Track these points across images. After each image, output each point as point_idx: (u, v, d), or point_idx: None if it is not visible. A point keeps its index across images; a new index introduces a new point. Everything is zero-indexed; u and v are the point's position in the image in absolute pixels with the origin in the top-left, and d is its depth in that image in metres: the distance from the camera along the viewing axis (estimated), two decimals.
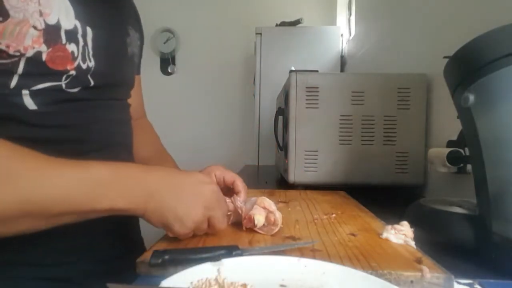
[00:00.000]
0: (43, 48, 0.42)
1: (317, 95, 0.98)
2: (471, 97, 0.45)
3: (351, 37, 2.16)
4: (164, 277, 0.31)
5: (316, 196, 0.81)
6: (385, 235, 0.48)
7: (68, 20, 0.45)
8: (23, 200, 0.36)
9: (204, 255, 0.39)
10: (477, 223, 0.48)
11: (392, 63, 1.39)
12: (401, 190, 1.01)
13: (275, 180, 1.35)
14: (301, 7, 2.74)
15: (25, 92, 0.43)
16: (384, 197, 0.97)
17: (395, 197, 0.98)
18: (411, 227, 0.48)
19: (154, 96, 2.21)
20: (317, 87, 0.98)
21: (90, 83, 0.49)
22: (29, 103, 0.44)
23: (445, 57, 0.50)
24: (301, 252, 0.43)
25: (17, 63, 0.41)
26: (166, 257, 0.38)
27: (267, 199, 0.53)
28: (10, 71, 0.41)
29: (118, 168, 0.43)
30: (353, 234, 0.50)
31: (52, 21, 0.43)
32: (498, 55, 0.42)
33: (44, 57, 0.43)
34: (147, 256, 0.40)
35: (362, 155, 0.98)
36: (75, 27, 0.45)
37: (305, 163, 1.00)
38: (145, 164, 0.54)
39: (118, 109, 0.59)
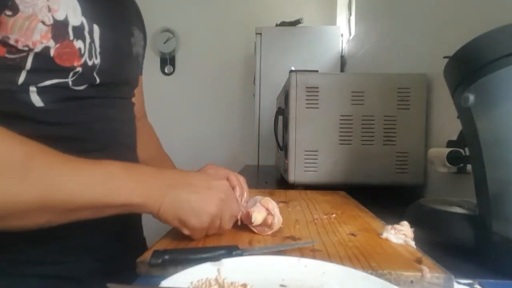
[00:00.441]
0: (51, 43, 0.43)
1: (317, 95, 0.98)
2: (471, 97, 0.45)
3: (351, 37, 2.16)
4: (164, 277, 0.31)
5: (316, 196, 0.81)
6: (385, 235, 0.48)
7: (76, 16, 0.45)
8: (40, 195, 0.36)
9: (204, 255, 0.39)
10: (477, 223, 0.48)
11: (392, 63, 1.39)
12: (401, 190, 1.01)
13: (275, 180, 1.35)
14: (301, 7, 2.74)
15: (32, 89, 0.44)
16: (384, 197, 0.97)
17: (395, 197, 0.98)
18: (411, 227, 0.48)
19: (154, 96, 2.21)
20: (317, 87, 0.98)
21: (95, 80, 0.50)
22: (36, 100, 0.44)
23: (445, 57, 0.50)
24: (301, 252, 0.43)
25: (25, 58, 0.42)
26: (166, 257, 0.38)
27: (273, 202, 0.53)
28: (18, 67, 0.42)
29: (131, 166, 0.44)
30: (353, 234, 0.50)
31: (60, 17, 0.43)
32: (498, 55, 0.42)
33: (52, 52, 0.43)
34: (147, 256, 0.40)
35: (362, 155, 0.98)
36: (82, 23, 0.46)
37: (305, 163, 1.00)
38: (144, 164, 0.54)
39: (123, 108, 0.59)
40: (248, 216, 0.50)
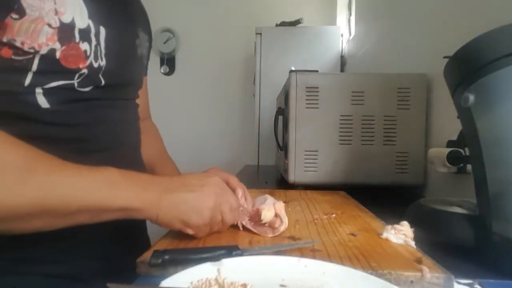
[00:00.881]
0: (57, 45, 0.43)
1: (317, 95, 0.98)
2: (471, 97, 0.45)
3: (351, 37, 2.16)
4: (164, 277, 0.31)
5: (316, 196, 0.81)
6: (385, 235, 0.48)
7: (82, 19, 0.46)
8: (39, 199, 0.37)
9: (204, 255, 0.39)
10: (477, 223, 0.48)
11: (392, 63, 1.39)
12: (401, 190, 1.01)
13: (275, 180, 1.35)
14: (301, 7, 2.74)
15: (38, 90, 0.44)
16: (384, 197, 0.97)
17: (395, 197, 0.98)
18: (411, 227, 0.48)
19: (154, 96, 2.20)
20: (317, 87, 0.98)
21: (101, 82, 0.50)
22: (42, 101, 0.45)
23: (445, 57, 0.50)
24: (301, 252, 0.43)
25: (32, 60, 0.42)
26: (166, 257, 0.38)
27: (282, 204, 0.53)
28: (24, 68, 0.42)
29: (129, 172, 0.45)
30: (353, 234, 0.50)
31: (67, 19, 0.44)
32: (498, 55, 0.42)
33: (57, 55, 0.44)
34: (147, 256, 0.40)
35: (362, 155, 0.98)
36: (88, 26, 0.47)
37: (305, 163, 1.00)
38: (147, 166, 0.54)
39: (127, 109, 0.60)
40: (258, 213, 0.50)
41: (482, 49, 0.45)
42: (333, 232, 0.51)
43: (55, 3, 0.42)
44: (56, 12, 0.43)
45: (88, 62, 0.47)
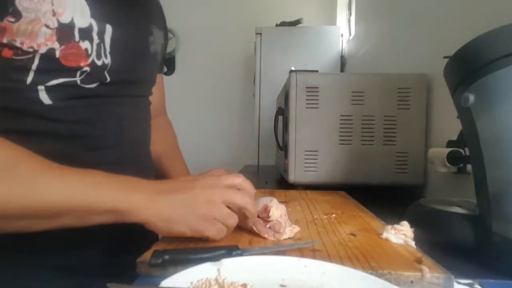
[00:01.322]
0: (56, 45, 0.43)
1: (317, 95, 0.98)
2: (471, 97, 0.45)
3: (351, 37, 2.16)
4: (164, 277, 0.31)
5: (316, 196, 0.81)
6: (385, 235, 0.48)
7: (83, 18, 0.46)
8: (22, 197, 0.37)
9: (204, 255, 0.39)
10: (477, 223, 0.48)
11: (392, 63, 1.39)
12: (401, 190, 1.01)
13: (275, 180, 1.35)
14: (301, 7, 2.74)
15: (40, 87, 0.44)
16: (384, 197, 0.97)
17: (395, 197, 0.98)
18: (411, 227, 0.48)
19: None
20: (317, 87, 0.98)
21: (106, 79, 0.50)
22: (45, 98, 0.45)
23: (445, 57, 0.50)
24: (301, 252, 0.43)
25: (32, 59, 0.43)
26: (166, 257, 0.38)
27: (284, 209, 0.52)
28: (25, 67, 0.43)
29: (118, 176, 0.44)
30: (353, 234, 0.50)
31: (65, 20, 0.44)
32: (498, 55, 0.42)
33: (57, 54, 0.44)
34: (147, 256, 0.40)
35: (362, 155, 0.98)
36: (90, 25, 0.46)
37: (305, 163, 1.00)
38: (156, 162, 0.52)
39: (136, 106, 0.59)
40: (266, 210, 0.49)
41: (482, 49, 0.45)
42: (333, 232, 0.51)
43: (52, 4, 0.43)
44: (54, 13, 0.43)
45: (89, 60, 0.47)
